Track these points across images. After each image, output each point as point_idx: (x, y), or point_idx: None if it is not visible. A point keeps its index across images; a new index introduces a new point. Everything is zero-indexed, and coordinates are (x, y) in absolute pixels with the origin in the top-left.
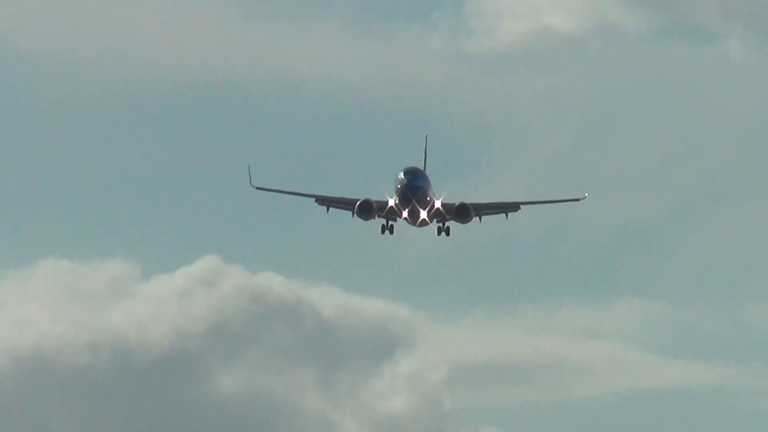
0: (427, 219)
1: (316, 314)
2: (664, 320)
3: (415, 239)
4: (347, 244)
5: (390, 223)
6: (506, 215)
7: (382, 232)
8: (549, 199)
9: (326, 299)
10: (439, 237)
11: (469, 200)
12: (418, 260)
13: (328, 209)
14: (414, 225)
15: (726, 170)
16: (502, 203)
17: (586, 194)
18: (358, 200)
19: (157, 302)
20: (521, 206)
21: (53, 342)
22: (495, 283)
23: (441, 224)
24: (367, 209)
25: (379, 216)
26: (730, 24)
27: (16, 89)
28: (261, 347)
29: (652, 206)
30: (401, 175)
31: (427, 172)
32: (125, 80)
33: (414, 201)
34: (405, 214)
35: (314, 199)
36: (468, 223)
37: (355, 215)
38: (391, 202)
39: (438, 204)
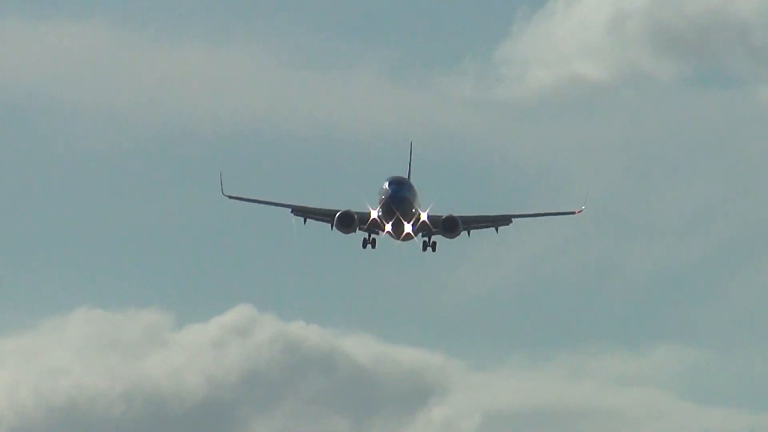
0: (411, 233)
1: (349, 362)
2: (702, 367)
3: (402, 256)
4: (361, 276)
5: (372, 236)
6: (496, 229)
7: (364, 246)
8: (542, 211)
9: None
10: (424, 252)
11: (456, 213)
12: (423, 292)
13: (305, 220)
14: (398, 239)
15: (762, 216)
16: (492, 216)
17: (583, 207)
18: (338, 211)
19: (191, 352)
20: (512, 219)
21: (87, 392)
22: (516, 320)
23: (427, 238)
24: (347, 221)
25: (360, 229)
26: (761, 70)
27: (52, 139)
28: (295, 396)
29: (687, 252)
30: (385, 185)
31: (413, 182)
32: (158, 129)
33: (398, 213)
34: (388, 227)
35: (290, 209)
36: (455, 238)
37: (334, 227)
38: (374, 214)
39: (424, 216)
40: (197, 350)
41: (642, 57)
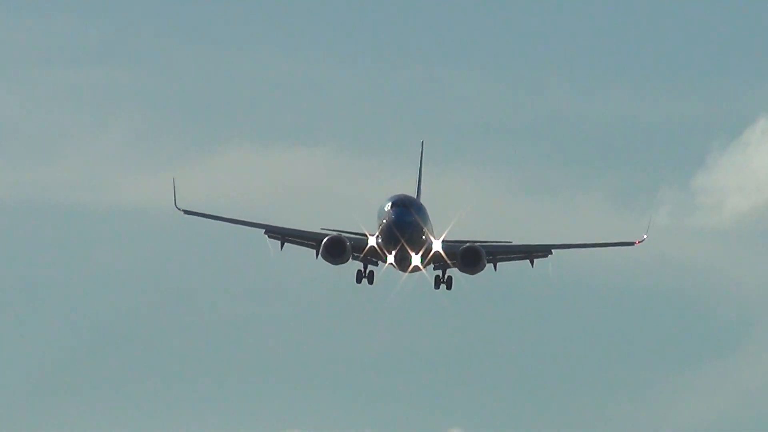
0: (420, 266)
1: None
2: None
3: (408, 297)
4: None
5: (369, 268)
6: (532, 262)
7: (358, 280)
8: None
9: None
10: (437, 290)
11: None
12: None
13: (282, 245)
14: (403, 271)
15: None
16: (526, 245)
17: (645, 236)
18: (326, 236)
19: None
20: (553, 251)
21: None
22: None
23: (440, 272)
24: (337, 250)
25: (354, 258)
26: None
27: (268, 265)
28: None
29: None
30: (387, 207)
31: (422, 198)
32: None
33: (403, 241)
34: (391, 258)
35: (263, 230)
36: (477, 273)
37: (320, 256)
38: (372, 241)
39: (437, 245)
40: None
41: None
